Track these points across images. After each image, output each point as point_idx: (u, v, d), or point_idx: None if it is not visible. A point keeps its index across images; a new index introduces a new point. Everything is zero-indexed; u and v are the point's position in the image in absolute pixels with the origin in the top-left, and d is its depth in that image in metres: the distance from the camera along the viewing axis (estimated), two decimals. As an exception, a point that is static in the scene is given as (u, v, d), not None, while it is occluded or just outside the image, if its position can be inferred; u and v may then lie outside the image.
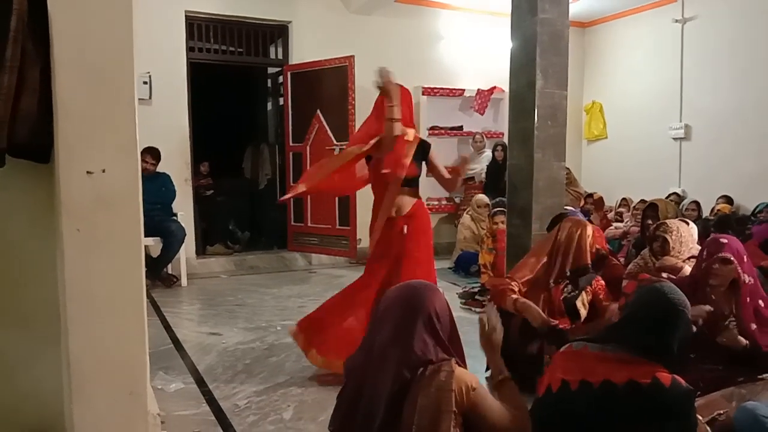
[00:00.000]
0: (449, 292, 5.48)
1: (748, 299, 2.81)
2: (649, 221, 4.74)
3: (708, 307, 2.72)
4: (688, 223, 3.61)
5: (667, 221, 3.52)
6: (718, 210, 6.16)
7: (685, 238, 3.43)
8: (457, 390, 1.73)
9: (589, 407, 1.92)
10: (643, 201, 6.11)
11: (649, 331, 1.97)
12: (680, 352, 1.99)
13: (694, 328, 2.63)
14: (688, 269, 3.19)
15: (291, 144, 6.82)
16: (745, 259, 2.86)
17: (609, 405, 1.90)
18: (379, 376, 1.75)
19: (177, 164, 6.22)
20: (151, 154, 5.69)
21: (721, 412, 2.32)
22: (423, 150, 3.54)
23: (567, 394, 1.97)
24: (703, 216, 6.11)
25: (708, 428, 2.14)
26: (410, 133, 3.47)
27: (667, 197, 6.53)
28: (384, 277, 3.36)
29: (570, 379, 1.98)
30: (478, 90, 7.77)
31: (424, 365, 1.75)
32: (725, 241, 2.84)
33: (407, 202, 3.47)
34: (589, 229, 3.25)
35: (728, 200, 6.48)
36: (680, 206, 6.35)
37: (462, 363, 1.87)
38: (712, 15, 7.04)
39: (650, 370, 1.90)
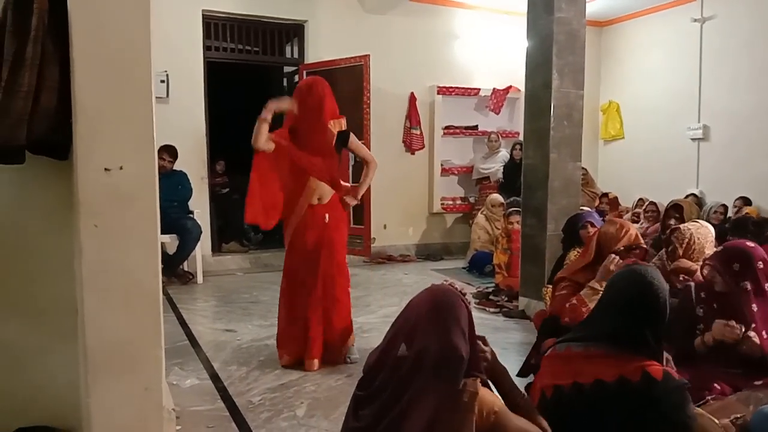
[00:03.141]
0: (463, 291, 5.46)
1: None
2: (672, 221, 4.68)
3: (739, 328, 2.60)
4: (706, 226, 3.57)
5: (681, 227, 3.49)
6: (746, 213, 6.06)
7: (700, 243, 3.40)
8: (479, 413, 1.71)
9: (584, 408, 1.91)
10: (653, 203, 6.05)
11: (622, 313, 1.96)
12: (657, 338, 1.97)
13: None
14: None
15: (306, 143, 6.83)
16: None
17: (603, 404, 1.90)
18: (423, 384, 1.70)
19: (193, 162, 6.27)
20: (168, 152, 5.74)
21: (738, 415, 2.29)
22: (342, 140, 3.58)
23: (561, 398, 1.97)
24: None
25: (715, 420, 2.12)
26: (336, 124, 3.58)
27: (685, 198, 6.45)
28: (309, 268, 3.48)
29: (562, 383, 1.97)
30: (494, 89, 7.74)
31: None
32: (755, 253, 2.75)
33: (328, 191, 3.53)
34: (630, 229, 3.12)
35: (746, 201, 6.39)
36: (707, 209, 6.25)
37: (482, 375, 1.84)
38: (731, 14, 6.95)
39: (639, 366, 1.89)
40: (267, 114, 3.35)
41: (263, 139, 3.35)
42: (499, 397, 1.81)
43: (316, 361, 3.46)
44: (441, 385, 1.68)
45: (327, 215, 3.50)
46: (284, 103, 3.48)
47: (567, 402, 1.96)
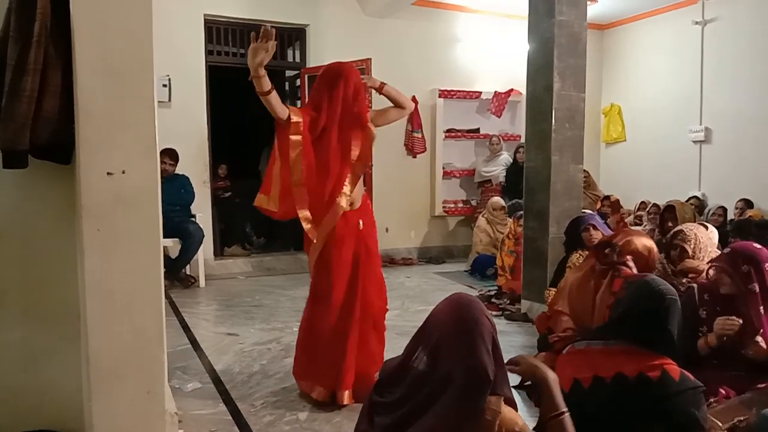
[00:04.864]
0: (465, 294, 5.45)
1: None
2: (670, 224, 4.68)
3: (738, 321, 2.59)
4: (707, 227, 3.57)
5: (684, 229, 3.48)
6: (750, 216, 6.05)
7: (704, 243, 3.39)
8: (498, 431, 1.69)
9: (603, 403, 1.92)
10: (656, 205, 6.04)
11: (646, 323, 2.01)
12: (678, 340, 2.02)
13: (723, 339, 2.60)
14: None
15: (308, 146, 6.83)
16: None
17: (622, 399, 1.91)
18: (448, 403, 1.68)
19: (196, 166, 6.29)
20: (169, 155, 5.74)
21: (741, 418, 2.29)
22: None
23: (580, 392, 1.98)
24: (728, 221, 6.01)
25: (719, 423, 2.13)
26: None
27: (687, 201, 6.45)
28: (346, 286, 2.98)
29: (581, 377, 1.98)
30: (495, 92, 7.75)
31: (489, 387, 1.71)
32: (762, 256, 2.74)
33: (359, 194, 3.06)
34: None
35: (748, 203, 6.39)
36: (706, 211, 6.25)
37: (508, 388, 1.82)
38: (732, 17, 6.95)
39: (658, 364, 1.92)
40: (258, 70, 2.80)
41: (279, 105, 2.80)
42: (520, 418, 1.78)
43: (347, 393, 2.94)
44: (465, 404, 1.66)
45: (361, 221, 3.02)
46: (264, 49, 2.79)
47: (586, 397, 1.96)
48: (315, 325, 3.04)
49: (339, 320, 2.97)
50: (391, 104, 3.21)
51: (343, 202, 2.95)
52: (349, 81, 2.97)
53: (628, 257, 2.85)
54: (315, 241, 2.97)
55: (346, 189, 2.96)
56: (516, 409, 1.82)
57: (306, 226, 2.96)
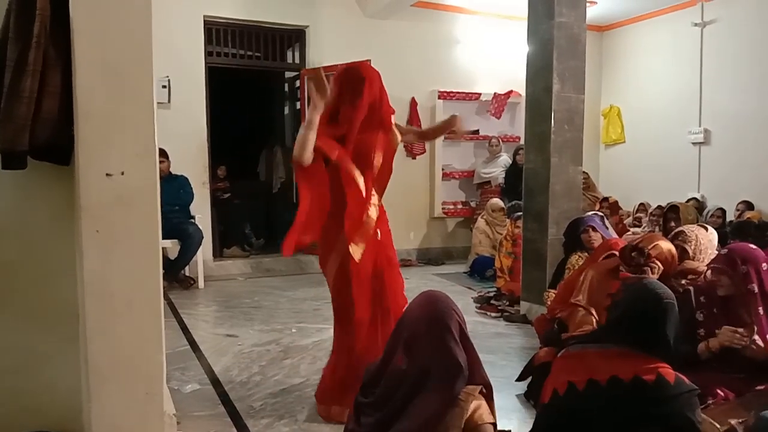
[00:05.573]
0: (464, 296, 5.46)
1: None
2: (672, 224, 4.68)
3: (749, 338, 2.57)
4: (707, 229, 3.57)
5: (685, 230, 3.48)
6: (748, 218, 6.05)
7: (704, 244, 3.40)
8: (472, 412, 1.79)
9: (598, 406, 1.93)
10: (660, 207, 6.04)
11: (643, 326, 2.02)
12: (674, 344, 2.04)
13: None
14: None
15: (307, 147, 6.82)
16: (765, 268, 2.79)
17: (616, 402, 1.92)
18: (427, 395, 1.76)
19: (195, 167, 6.28)
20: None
21: (740, 420, 2.29)
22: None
23: (575, 395, 1.98)
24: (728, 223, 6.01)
25: (717, 425, 2.13)
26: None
27: (686, 202, 6.45)
28: (371, 300, 2.79)
29: (576, 380, 1.99)
30: (495, 94, 7.75)
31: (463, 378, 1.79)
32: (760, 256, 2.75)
33: (376, 202, 2.86)
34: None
35: (749, 205, 6.39)
36: (705, 212, 6.26)
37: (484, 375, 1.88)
38: (732, 18, 6.96)
39: (654, 367, 1.93)
40: (316, 115, 2.56)
41: (310, 150, 2.55)
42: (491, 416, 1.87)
43: None
44: (443, 393, 1.76)
45: (378, 231, 2.82)
46: (323, 91, 2.58)
47: (580, 400, 1.97)
48: (346, 346, 2.82)
49: (374, 337, 2.76)
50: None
51: (373, 213, 2.77)
52: (374, 85, 2.75)
53: (655, 260, 2.94)
54: (357, 259, 2.68)
55: (374, 199, 2.78)
56: (491, 389, 1.91)
57: (352, 248, 2.67)
